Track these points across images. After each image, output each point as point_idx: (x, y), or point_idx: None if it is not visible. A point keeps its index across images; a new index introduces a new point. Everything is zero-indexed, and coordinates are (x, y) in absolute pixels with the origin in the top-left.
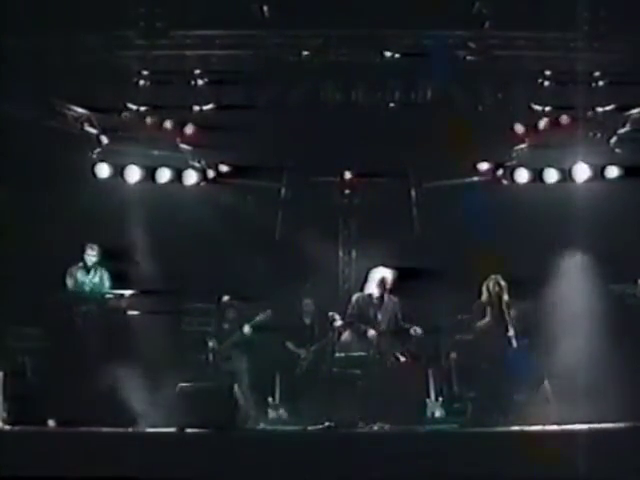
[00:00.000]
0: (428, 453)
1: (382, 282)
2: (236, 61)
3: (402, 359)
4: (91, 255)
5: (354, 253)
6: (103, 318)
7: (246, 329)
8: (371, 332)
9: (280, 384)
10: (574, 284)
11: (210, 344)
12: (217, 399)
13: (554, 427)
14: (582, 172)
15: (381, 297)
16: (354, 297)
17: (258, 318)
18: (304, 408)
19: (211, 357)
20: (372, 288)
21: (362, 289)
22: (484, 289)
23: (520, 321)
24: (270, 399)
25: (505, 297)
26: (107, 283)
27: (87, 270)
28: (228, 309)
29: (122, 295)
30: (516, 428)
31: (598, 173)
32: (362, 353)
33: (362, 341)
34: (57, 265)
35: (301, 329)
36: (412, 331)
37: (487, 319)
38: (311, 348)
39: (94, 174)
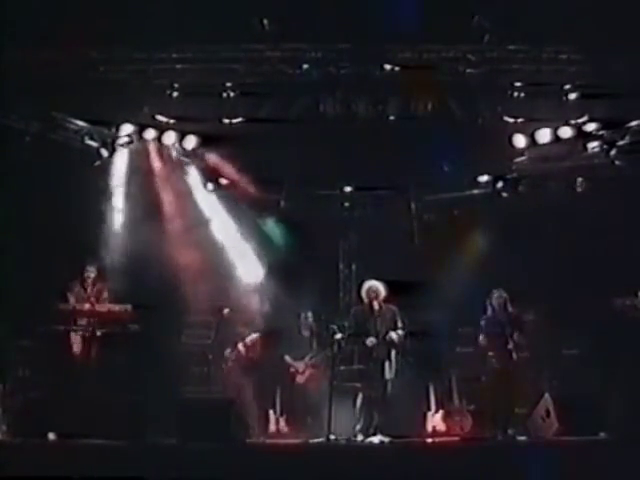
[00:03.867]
0: (428, 466)
1: (371, 293)
2: (236, 74)
3: None
4: (90, 270)
5: (354, 266)
6: (103, 332)
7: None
8: (370, 339)
9: (280, 397)
10: (574, 296)
11: (210, 357)
12: (218, 412)
13: (554, 439)
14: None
15: (379, 308)
16: (352, 310)
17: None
18: (305, 421)
19: (212, 370)
20: (365, 300)
21: (362, 301)
22: (487, 303)
23: (521, 333)
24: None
25: (509, 309)
26: (106, 295)
27: (86, 284)
28: (228, 322)
29: (122, 309)
30: (517, 440)
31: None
32: (362, 366)
33: (362, 353)
34: (57, 278)
35: (300, 342)
36: (394, 336)
37: (489, 333)
38: (310, 361)
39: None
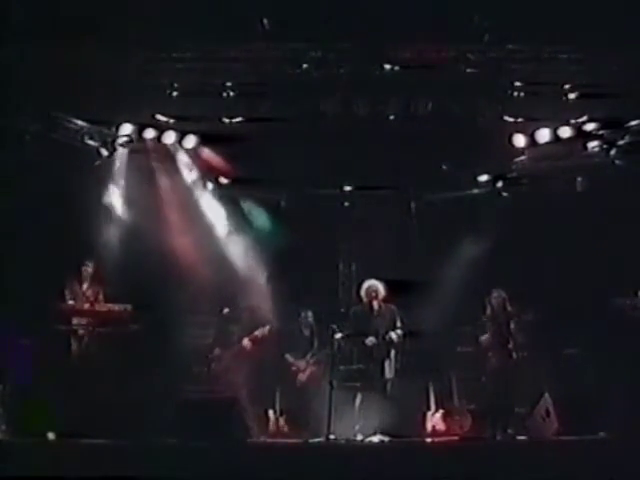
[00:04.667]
0: (428, 466)
1: (370, 293)
2: (236, 74)
3: None
4: (89, 269)
5: (354, 266)
6: (103, 332)
7: (245, 342)
8: (370, 339)
9: (281, 396)
10: (574, 296)
11: (210, 356)
12: (218, 412)
13: (554, 439)
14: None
15: (379, 307)
16: (352, 310)
17: (256, 333)
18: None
19: (212, 369)
20: (365, 300)
21: (361, 301)
22: (487, 303)
23: (521, 334)
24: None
25: (508, 309)
26: (102, 296)
27: (85, 284)
28: (228, 321)
29: (122, 309)
30: (517, 440)
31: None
32: (361, 366)
33: (362, 353)
34: (57, 278)
35: (300, 341)
36: (394, 336)
37: (490, 333)
38: (311, 359)
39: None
